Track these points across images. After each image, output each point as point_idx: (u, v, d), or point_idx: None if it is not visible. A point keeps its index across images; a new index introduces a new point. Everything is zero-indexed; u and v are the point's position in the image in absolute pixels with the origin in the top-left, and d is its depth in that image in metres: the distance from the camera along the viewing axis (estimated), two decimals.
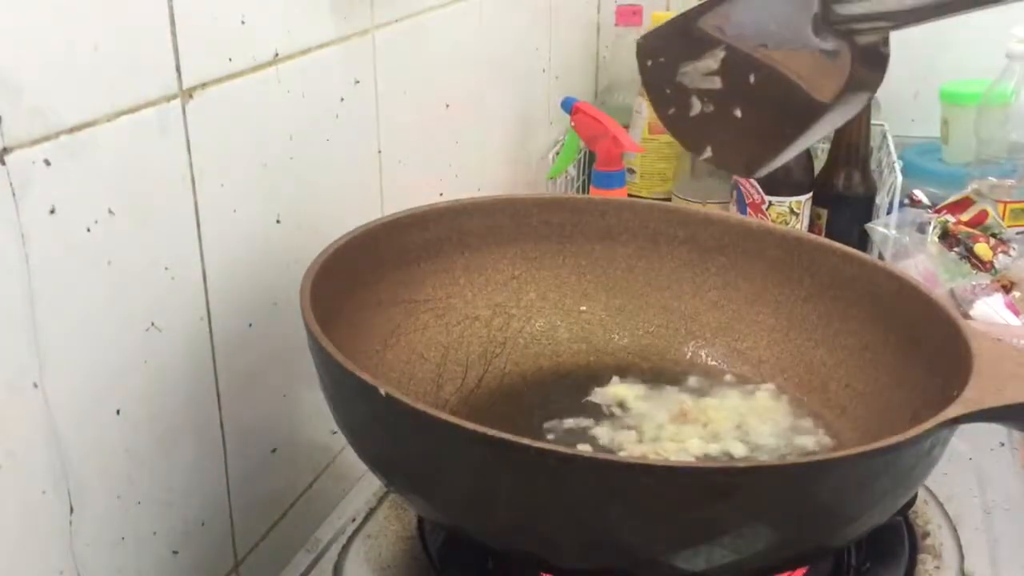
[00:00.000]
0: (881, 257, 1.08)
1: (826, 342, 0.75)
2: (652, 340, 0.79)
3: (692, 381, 0.76)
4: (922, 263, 1.05)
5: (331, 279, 0.64)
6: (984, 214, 1.13)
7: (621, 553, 0.53)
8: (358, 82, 0.78)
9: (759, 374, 0.77)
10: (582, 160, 1.22)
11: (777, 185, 1.12)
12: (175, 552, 0.64)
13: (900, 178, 1.09)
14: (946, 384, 0.60)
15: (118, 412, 0.58)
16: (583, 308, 0.81)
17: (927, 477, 0.59)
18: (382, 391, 0.53)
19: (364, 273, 0.70)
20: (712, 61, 0.59)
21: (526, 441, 0.51)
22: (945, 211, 1.15)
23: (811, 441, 0.70)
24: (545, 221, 0.80)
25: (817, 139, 0.65)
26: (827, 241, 0.80)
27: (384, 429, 0.57)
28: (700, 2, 0.60)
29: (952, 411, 0.55)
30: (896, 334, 0.70)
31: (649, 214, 0.81)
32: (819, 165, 1.17)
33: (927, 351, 0.66)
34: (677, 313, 0.80)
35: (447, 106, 0.95)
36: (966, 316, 1.00)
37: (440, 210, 0.76)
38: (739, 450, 0.68)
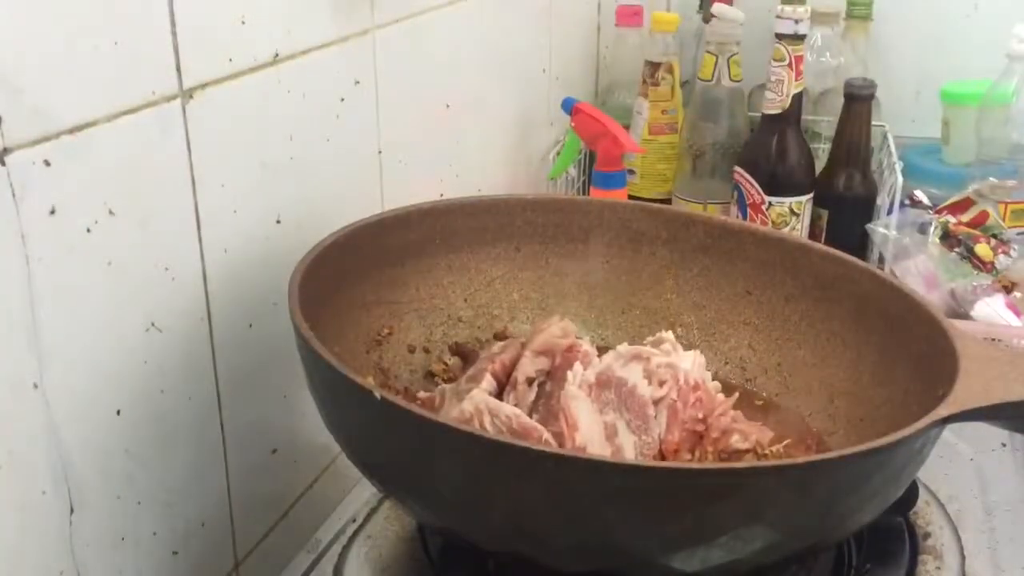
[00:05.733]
0: (882, 258, 1.08)
1: (808, 342, 0.75)
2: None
3: None
4: (923, 264, 1.05)
5: (316, 280, 0.64)
6: (985, 215, 1.13)
7: (618, 554, 0.52)
8: (358, 82, 0.78)
9: (742, 374, 0.77)
10: (583, 160, 1.22)
11: (778, 186, 1.12)
12: (175, 553, 0.64)
13: (901, 179, 1.09)
14: (931, 384, 0.60)
15: (118, 412, 0.58)
16: (566, 309, 0.81)
17: (915, 475, 0.60)
18: (377, 395, 0.53)
19: (349, 274, 0.70)
20: None
21: (524, 443, 0.51)
22: (946, 212, 1.15)
23: None
24: (528, 222, 0.80)
25: None
26: (808, 242, 0.80)
27: (378, 433, 0.57)
28: None
29: (942, 411, 0.55)
30: (879, 334, 0.70)
31: (631, 214, 0.81)
32: (820, 166, 1.17)
33: (910, 351, 0.67)
34: (659, 314, 0.80)
35: (447, 106, 0.95)
36: (967, 317, 1.00)
37: (424, 211, 0.76)
38: None
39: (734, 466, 0.60)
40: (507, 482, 0.52)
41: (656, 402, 0.65)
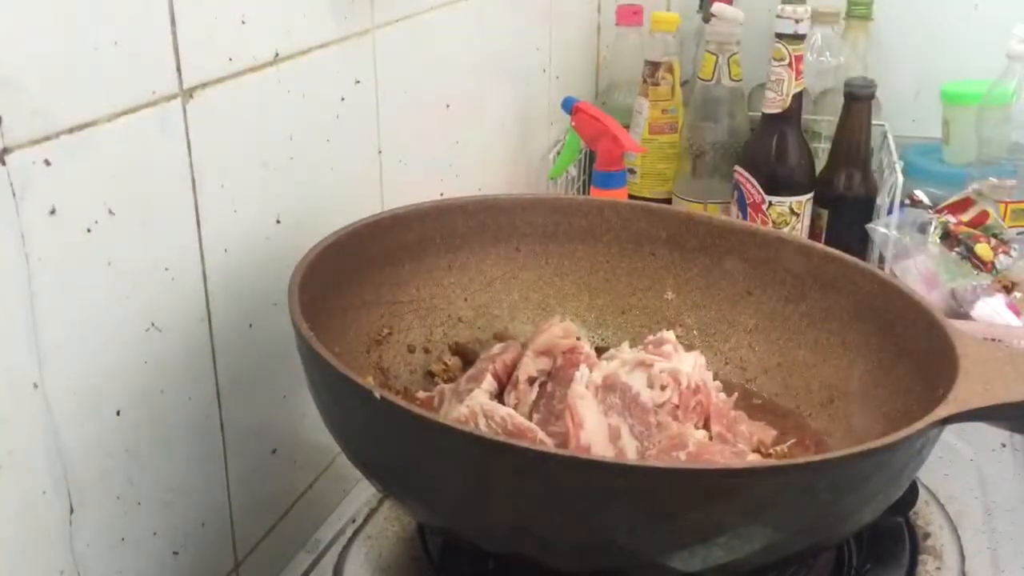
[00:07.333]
0: (882, 258, 1.08)
1: (808, 343, 0.75)
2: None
3: None
4: (923, 263, 1.05)
5: (316, 280, 0.64)
6: (985, 214, 1.13)
7: (618, 554, 0.52)
8: (358, 82, 0.78)
9: (742, 374, 0.77)
10: (583, 160, 1.22)
11: (778, 185, 1.12)
12: (175, 553, 0.64)
13: (901, 178, 1.09)
14: (931, 384, 0.60)
15: (118, 412, 0.58)
16: (566, 309, 0.81)
17: (915, 475, 0.60)
18: (377, 395, 0.53)
19: (348, 274, 0.70)
20: None
21: (524, 443, 0.51)
22: (946, 211, 1.15)
23: None
24: (528, 222, 0.80)
25: None
26: (809, 242, 0.80)
27: (378, 433, 0.57)
28: None
29: (942, 411, 0.55)
30: (879, 334, 0.70)
31: (631, 214, 0.81)
32: (820, 165, 1.17)
33: (910, 351, 0.67)
34: (660, 314, 0.80)
35: (447, 106, 0.95)
36: (967, 317, 1.00)
37: (424, 211, 0.76)
38: None
39: (733, 466, 0.60)
40: (507, 482, 0.52)
41: (658, 407, 0.65)
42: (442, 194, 0.93)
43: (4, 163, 0.48)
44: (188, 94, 0.60)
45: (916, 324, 0.66)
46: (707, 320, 0.79)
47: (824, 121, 1.25)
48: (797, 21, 1.09)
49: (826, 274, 0.74)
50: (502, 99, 1.10)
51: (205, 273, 0.64)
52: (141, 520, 0.61)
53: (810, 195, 1.14)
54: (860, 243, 1.10)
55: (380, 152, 0.83)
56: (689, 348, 0.74)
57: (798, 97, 1.12)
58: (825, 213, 1.15)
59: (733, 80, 1.20)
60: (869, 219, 1.11)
